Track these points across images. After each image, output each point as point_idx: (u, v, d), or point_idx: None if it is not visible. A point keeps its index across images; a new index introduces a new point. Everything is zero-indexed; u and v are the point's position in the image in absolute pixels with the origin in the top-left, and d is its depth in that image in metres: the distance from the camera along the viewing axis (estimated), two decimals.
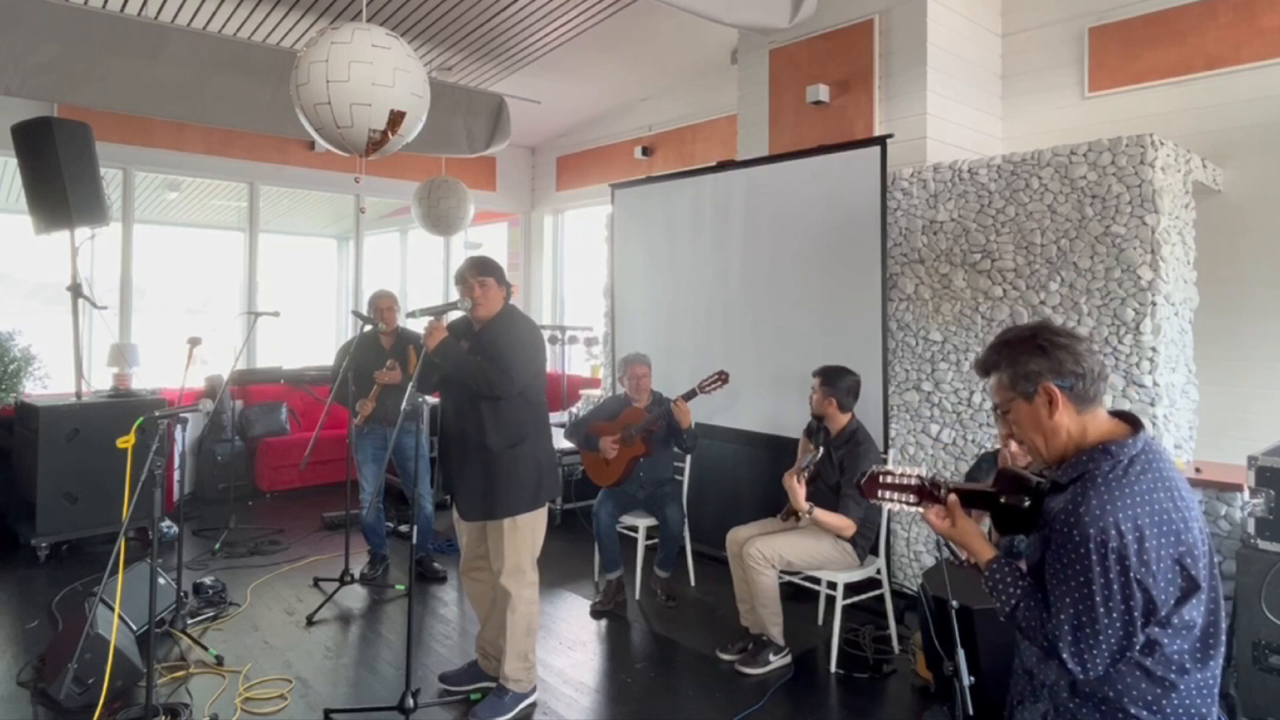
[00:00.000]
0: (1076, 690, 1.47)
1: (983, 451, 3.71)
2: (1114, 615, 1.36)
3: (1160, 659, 1.40)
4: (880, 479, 1.70)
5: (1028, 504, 1.57)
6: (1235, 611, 2.94)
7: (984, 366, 1.59)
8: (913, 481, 1.68)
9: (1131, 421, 1.50)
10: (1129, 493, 1.39)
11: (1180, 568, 1.38)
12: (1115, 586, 1.35)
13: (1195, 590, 1.39)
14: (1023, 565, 1.57)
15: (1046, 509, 1.50)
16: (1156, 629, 1.39)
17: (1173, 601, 1.38)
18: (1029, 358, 1.50)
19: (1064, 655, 1.40)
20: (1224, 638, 1.45)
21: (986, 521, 1.94)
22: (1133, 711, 1.41)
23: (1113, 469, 1.42)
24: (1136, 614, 1.36)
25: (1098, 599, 1.36)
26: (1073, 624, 1.39)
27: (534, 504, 3.11)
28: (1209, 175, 4.00)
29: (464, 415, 3.09)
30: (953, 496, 1.62)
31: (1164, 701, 1.41)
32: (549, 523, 3.25)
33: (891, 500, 1.69)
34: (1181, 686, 1.41)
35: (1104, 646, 1.38)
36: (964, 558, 1.66)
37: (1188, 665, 1.41)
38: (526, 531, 3.12)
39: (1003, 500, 1.60)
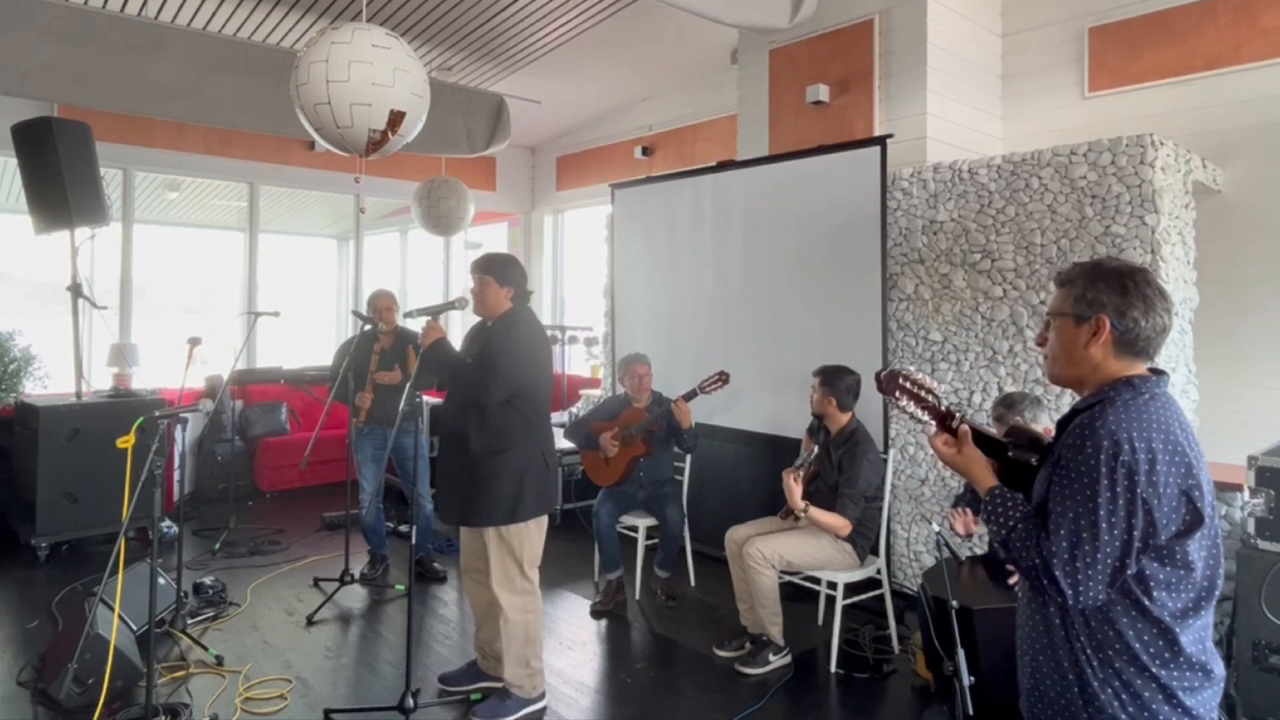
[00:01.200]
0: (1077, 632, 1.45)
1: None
2: (1115, 532, 1.35)
3: (1158, 602, 1.39)
4: (901, 381, 1.66)
5: (1034, 461, 1.55)
6: (1235, 611, 2.94)
7: (1062, 279, 1.57)
8: (930, 399, 1.65)
9: (1158, 374, 1.52)
10: (1146, 418, 1.40)
11: (1187, 499, 1.38)
12: (1120, 501, 1.35)
13: (1200, 524, 1.38)
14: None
15: (1061, 437, 1.49)
16: (1155, 564, 1.38)
17: (1174, 531, 1.37)
18: (1105, 287, 1.48)
19: (1056, 573, 1.38)
20: (1219, 587, 1.44)
21: None
22: (1135, 650, 1.40)
23: (1134, 397, 1.43)
24: (1136, 534, 1.35)
25: (1101, 513, 1.35)
26: (1071, 540, 1.37)
27: (511, 517, 2.98)
28: (1209, 175, 4.00)
29: (458, 416, 3.05)
30: (964, 426, 1.61)
31: (1161, 643, 1.40)
32: (549, 523, 3.22)
33: (903, 405, 1.65)
34: (1177, 630, 1.40)
35: (1099, 567, 1.36)
36: (964, 557, 1.66)
37: (1180, 614, 1.40)
38: (514, 544, 3.03)
39: (1011, 453, 1.59)
